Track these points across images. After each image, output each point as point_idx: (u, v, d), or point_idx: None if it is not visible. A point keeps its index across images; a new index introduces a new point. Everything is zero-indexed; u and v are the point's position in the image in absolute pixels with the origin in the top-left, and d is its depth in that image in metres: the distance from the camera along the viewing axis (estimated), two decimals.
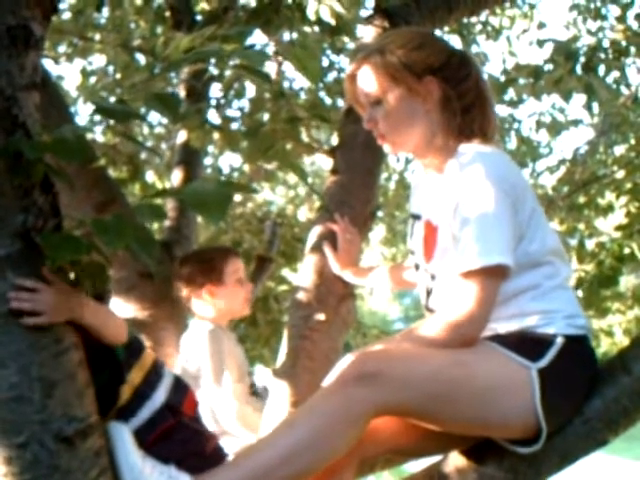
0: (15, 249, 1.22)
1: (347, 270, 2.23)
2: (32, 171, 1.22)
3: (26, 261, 1.23)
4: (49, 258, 1.21)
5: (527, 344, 1.61)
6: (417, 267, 1.85)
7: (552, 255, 1.70)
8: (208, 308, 2.59)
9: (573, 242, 6.56)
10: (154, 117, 6.17)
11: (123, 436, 1.38)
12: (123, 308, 2.87)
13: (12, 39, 1.20)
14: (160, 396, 1.55)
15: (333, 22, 3.02)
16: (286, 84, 4.80)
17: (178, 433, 1.55)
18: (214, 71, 3.63)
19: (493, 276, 1.57)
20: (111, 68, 5.07)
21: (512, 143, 6.55)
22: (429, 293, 1.79)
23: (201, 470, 1.50)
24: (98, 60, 5.15)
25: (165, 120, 5.79)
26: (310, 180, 7.32)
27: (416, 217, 1.88)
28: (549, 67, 4.52)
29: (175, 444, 1.54)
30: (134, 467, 1.37)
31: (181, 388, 1.63)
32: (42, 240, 1.22)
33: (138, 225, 1.23)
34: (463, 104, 1.73)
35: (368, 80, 1.77)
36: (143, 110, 3.71)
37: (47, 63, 4.55)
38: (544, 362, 1.59)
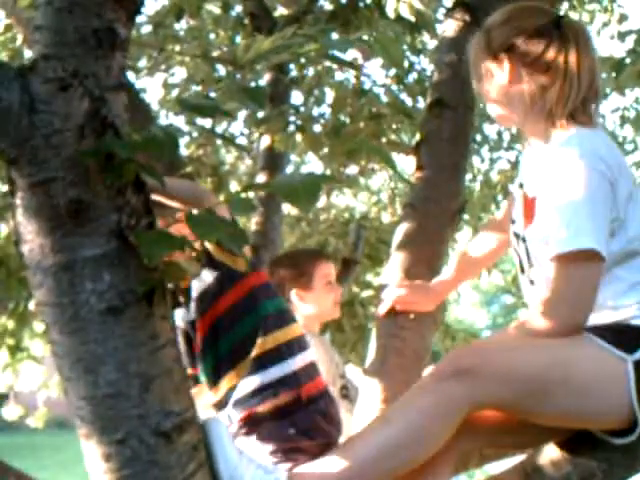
0: (110, 248, 1.23)
1: (444, 295, 2.15)
2: (124, 171, 1.24)
3: (121, 260, 1.24)
4: (145, 255, 1.23)
5: (623, 336, 1.58)
6: (517, 236, 1.81)
7: None
8: (297, 312, 2.59)
9: None
10: (236, 129, 6.23)
11: (220, 430, 1.39)
12: None
13: (98, 41, 1.22)
14: (296, 364, 1.61)
15: (413, 19, 3.00)
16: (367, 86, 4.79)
17: (295, 414, 1.59)
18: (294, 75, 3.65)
19: (587, 260, 1.53)
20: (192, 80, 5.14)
21: None
22: (527, 264, 1.75)
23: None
24: (179, 72, 5.23)
25: (246, 130, 5.85)
26: (392, 184, 7.23)
27: (521, 185, 1.84)
28: (632, 59, 4.36)
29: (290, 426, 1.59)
30: (230, 461, 1.39)
31: (312, 372, 1.67)
32: (136, 238, 1.23)
33: (229, 220, 1.24)
34: (542, 82, 1.67)
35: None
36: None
37: (130, 75, 4.64)
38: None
